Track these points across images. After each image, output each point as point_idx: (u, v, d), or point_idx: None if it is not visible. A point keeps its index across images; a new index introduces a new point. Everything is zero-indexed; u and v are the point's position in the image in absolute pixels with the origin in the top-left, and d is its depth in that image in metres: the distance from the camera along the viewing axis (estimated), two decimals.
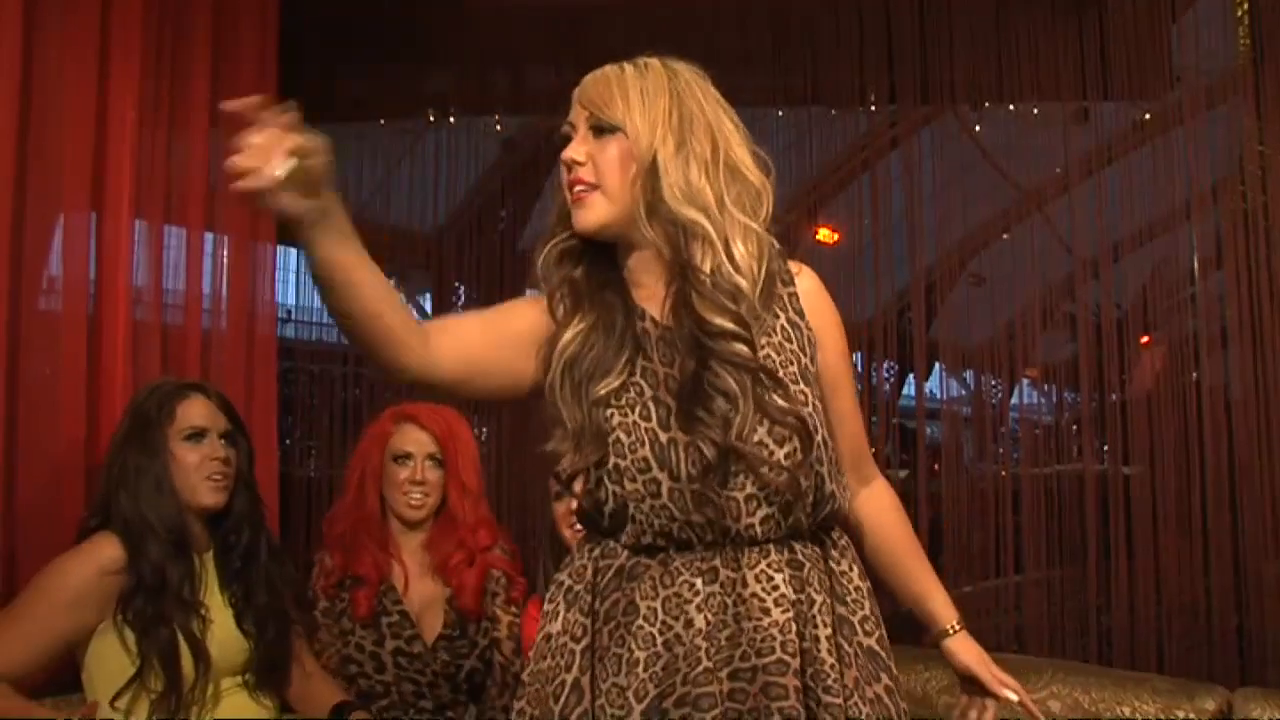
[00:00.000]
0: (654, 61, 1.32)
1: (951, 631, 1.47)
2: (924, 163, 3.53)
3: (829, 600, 1.30)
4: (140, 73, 2.39)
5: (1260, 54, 2.99)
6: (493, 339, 1.32)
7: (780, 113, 3.49)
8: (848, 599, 1.33)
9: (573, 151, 1.29)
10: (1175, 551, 3.03)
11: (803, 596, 1.27)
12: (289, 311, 3.67)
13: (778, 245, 1.33)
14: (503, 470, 3.55)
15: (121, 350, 2.33)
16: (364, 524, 2.26)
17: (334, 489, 3.09)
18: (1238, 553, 2.95)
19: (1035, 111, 3.36)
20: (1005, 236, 3.54)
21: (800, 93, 3.45)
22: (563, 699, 1.27)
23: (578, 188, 1.29)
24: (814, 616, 1.27)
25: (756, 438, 1.24)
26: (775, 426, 1.25)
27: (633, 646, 1.24)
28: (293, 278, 3.72)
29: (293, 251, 3.32)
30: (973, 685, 1.48)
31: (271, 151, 1.04)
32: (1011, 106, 3.39)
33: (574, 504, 1.54)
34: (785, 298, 1.35)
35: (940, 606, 1.48)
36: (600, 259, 1.34)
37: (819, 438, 1.29)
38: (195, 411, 1.96)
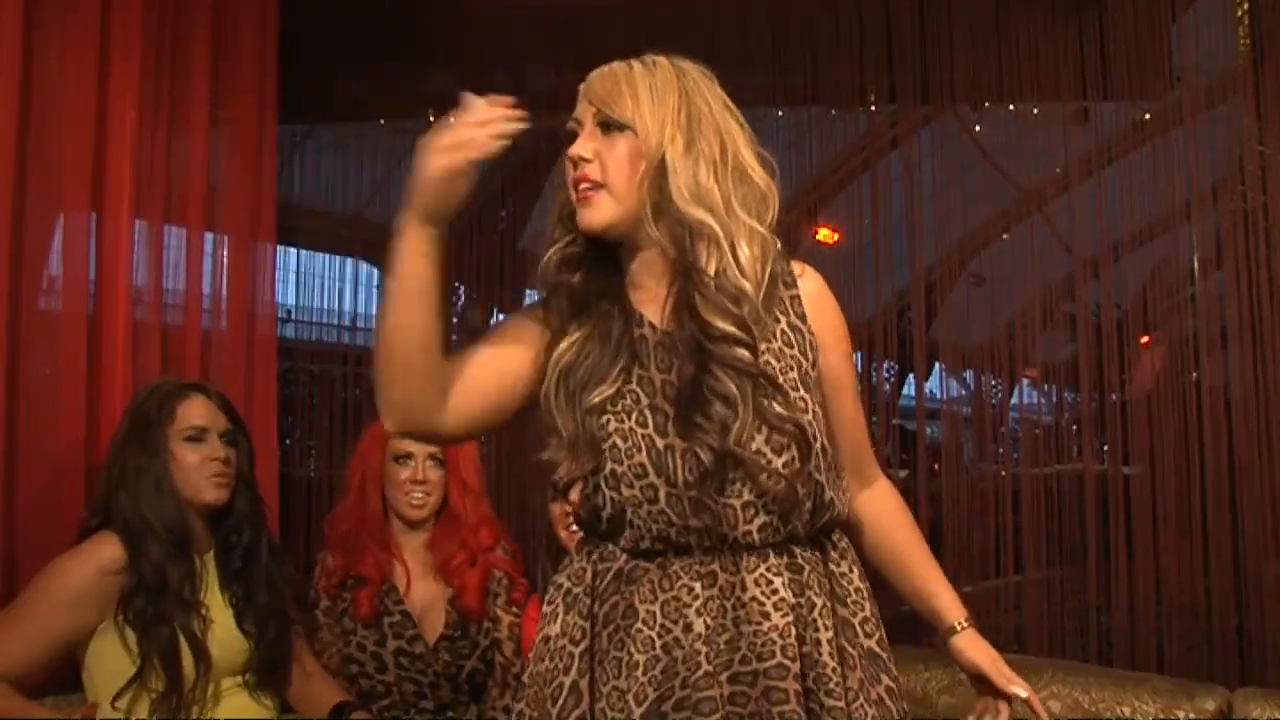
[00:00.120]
0: (661, 59, 1.30)
1: (959, 628, 1.43)
2: (924, 163, 3.52)
3: (829, 603, 1.29)
4: (140, 73, 2.39)
5: (1260, 54, 2.98)
6: (508, 384, 1.30)
7: (780, 113, 3.48)
8: (848, 601, 1.32)
9: (580, 148, 1.27)
10: (1175, 551, 3.03)
11: (802, 600, 1.26)
12: (289, 311, 3.66)
13: (780, 246, 1.31)
14: (503, 470, 3.54)
15: (121, 350, 2.33)
16: (366, 524, 2.27)
17: (334, 489, 3.09)
18: (1238, 553, 2.94)
19: (1035, 111, 3.36)
20: (1005, 236, 3.53)
21: (800, 93, 3.43)
22: (561, 701, 1.26)
23: (583, 185, 1.26)
24: (814, 620, 1.26)
25: (755, 445, 1.23)
26: (774, 434, 1.24)
27: (632, 650, 1.23)
28: (293, 278, 3.71)
29: (293, 252, 3.32)
30: (982, 683, 1.43)
31: (491, 124, 1.16)
32: (1011, 106, 3.38)
33: (569, 506, 1.54)
34: (787, 300, 1.33)
35: (947, 603, 1.44)
36: (600, 263, 1.32)
37: (818, 446, 1.27)
38: (195, 411, 1.96)
